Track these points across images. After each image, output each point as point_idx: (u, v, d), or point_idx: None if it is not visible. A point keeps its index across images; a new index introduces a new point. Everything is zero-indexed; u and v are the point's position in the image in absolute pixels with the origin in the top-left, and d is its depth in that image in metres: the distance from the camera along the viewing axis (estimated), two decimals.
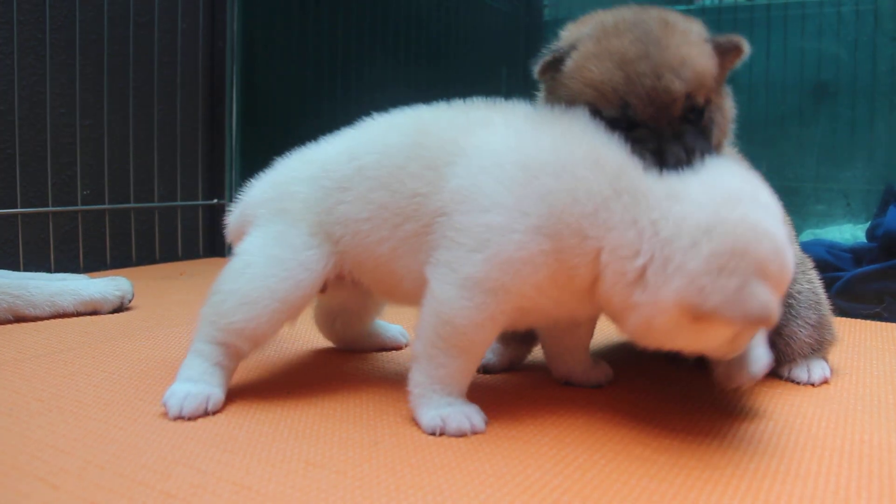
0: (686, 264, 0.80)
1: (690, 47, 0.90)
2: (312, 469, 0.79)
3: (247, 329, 0.98)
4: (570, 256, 0.86)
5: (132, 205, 2.29)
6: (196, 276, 2.13)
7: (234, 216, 1.13)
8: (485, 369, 1.16)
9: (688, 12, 0.98)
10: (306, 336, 1.38)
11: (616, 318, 0.90)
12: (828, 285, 1.20)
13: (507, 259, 0.86)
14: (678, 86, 0.88)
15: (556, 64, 0.95)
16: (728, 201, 0.82)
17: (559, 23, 1.02)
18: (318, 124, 1.11)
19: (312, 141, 1.11)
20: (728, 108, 0.97)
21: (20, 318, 1.48)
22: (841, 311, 1.17)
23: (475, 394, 0.97)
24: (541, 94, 1.01)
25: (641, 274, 0.83)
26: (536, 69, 0.96)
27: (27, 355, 1.23)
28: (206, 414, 0.95)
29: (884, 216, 1.83)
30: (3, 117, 1.98)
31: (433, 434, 0.89)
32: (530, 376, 1.15)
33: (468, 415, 0.90)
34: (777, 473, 0.79)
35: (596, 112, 0.91)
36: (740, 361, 0.94)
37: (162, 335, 1.39)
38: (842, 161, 2.14)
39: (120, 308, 1.60)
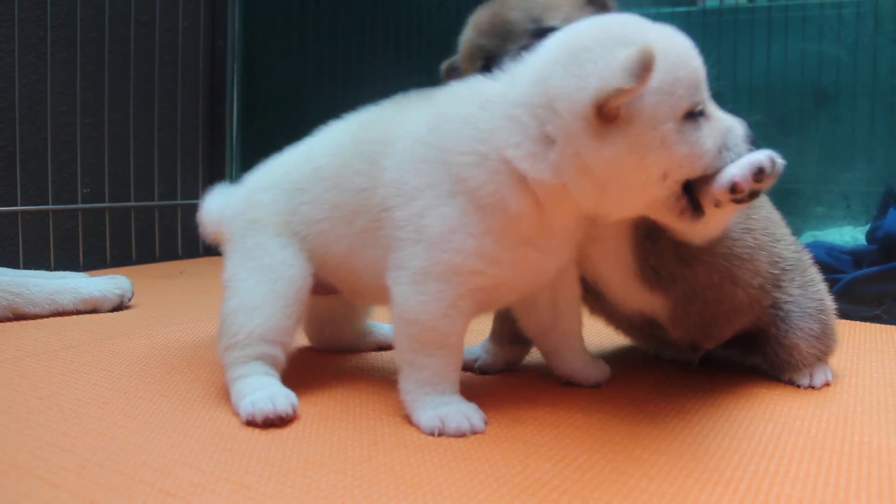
0: (558, 90, 0.82)
1: None
2: (311, 468, 0.79)
3: (268, 331, 0.98)
4: (488, 190, 0.87)
5: (132, 203, 2.29)
6: (196, 274, 2.13)
7: (212, 213, 1.17)
8: (481, 370, 1.16)
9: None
10: (304, 336, 1.38)
11: (579, 202, 0.87)
12: (827, 287, 1.19)
13: (441, 237, 0.88)
14: (514, 14, 0.99)
15: (453, 66, 1.08)
16: (561, 37, 0.87)
17: None
18: (318, 123, 1.11)
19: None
20: None
21: (20, 316, 1.48)
22: (841, 314, 1.17)
23: (475, 393, 0.97)
24: None
25: (544, 137, 0.84)
26: (443, 78, 1.09)
27: (26, 353, 1.23)
28: (294, 414, 0.93)
29: (884, 218, 1.83)
30: (3, 115, 1.98)
31: (432, 435, 0.88)
32: (530, 376, 1.15)
33: (467, 414, 0.90)
34: (776, 475, 0.79)
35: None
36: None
37: (162, 334, 1.39)
38: (842, 163, 2.13)
39: (120, 306, 1.60)
